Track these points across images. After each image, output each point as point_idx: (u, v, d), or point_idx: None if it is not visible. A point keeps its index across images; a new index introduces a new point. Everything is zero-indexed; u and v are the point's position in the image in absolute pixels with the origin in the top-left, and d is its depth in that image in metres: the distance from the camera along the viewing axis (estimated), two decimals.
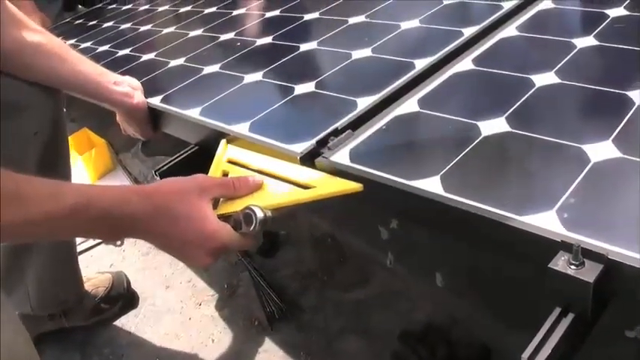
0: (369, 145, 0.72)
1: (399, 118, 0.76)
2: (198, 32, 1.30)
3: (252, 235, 0.67)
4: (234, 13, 1.35)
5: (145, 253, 1.45)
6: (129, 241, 1.40)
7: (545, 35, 0.88)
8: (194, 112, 0.91)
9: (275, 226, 1.25)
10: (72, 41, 1.56)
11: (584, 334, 0.50)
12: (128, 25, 1.55)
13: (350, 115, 0.77)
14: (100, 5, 1.94)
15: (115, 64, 1.21)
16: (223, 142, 0.83)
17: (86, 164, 1.75)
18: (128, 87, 1.00)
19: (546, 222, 0.52)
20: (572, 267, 0.47)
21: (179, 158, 0.91)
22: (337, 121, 0.76)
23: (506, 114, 0.70)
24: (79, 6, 2.21)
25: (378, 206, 0.69)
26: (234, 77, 1.00)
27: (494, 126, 0.68)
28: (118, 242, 0.69)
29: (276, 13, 1.26)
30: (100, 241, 1.30)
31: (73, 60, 0.95)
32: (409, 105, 0.78)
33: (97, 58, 1.29)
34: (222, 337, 1.19)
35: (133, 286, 1.35)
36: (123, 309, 1.31)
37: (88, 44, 1.48)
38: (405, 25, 1.02)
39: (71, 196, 0.61)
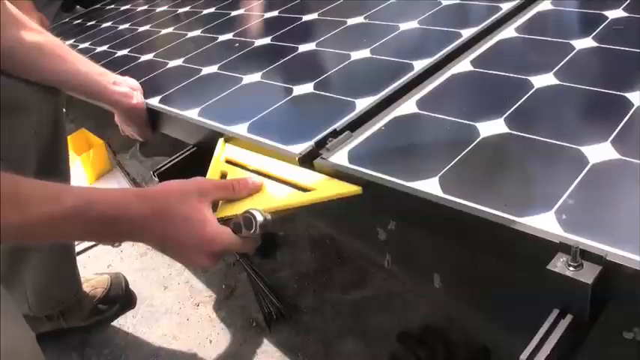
0: (367, 146, 0.72)
1: (397, 119, 0.76)
2: (197, 33, 1.30)
3: (251, 238, 0.67)
4: (233, 13, 1.35)
5: (143, 254, 1.45)
6: (127, 242, 1.40)
7: (543, 37, 0.88)
8: (193, 113, 0.91)
9: (273, 228, 1.25)
10: (70, 41, 1.56)
11: (583, 336, 0.50)
12: (127, 25, 1.55)
13: (349, 116, 0.77)
14: (98, 6, 1.94)
15: (114, 65, 1.21)
16: (221, 141, 0.83)
17: (84, 165, 1.75)
18: (127, 87, 1.00)
19: (545, 223, 0.52)
20: (571, 268, 0.47)
21: (177, 159, 0.91)
22: (336, 122, 0.76)
23: (505, 115, 0.70)
24: (78, 6, 2.21)
25: (377, 207, 0.69)
26: (233, 78, 1.00)
27: (492, 127, 0.68)
28: (116, 243, 0.69)
29: (275, 13, 1.26)
30: None
31: (73, 60, 0.95)
32: (408, 106, 0.78)
33: (96, 58, 1.28)
34: (220, 338, 1.19)
35: (131, 286, 1.35)
36: (121, 310, 1.31)
37: (86, 44, 1.48)
38: (404, 26, 1.02)
39: (70, 198, 0.61)
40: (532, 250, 0.52)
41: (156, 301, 1.32)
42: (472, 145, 0.66)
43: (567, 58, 0.80)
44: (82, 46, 1.48)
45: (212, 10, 1.43)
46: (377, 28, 1.04)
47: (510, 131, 0.67)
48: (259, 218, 0.65)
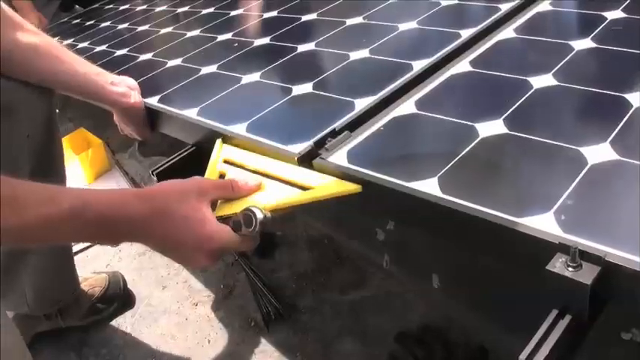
0: (366, 146, 0.72)
1: (396, 119, 0.76)
2: (196, 32, 1.30)
3: (251, 236, 0.67)
4: (232, 13, 1.35)
5: (142, 254, 1.45)
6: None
7: (542, 37, 0.88)
8: (191, 113, 0.91)
9: (272, 227, 1.25)
10: (69, 41, 1.56)
11: (582, 336, 0.50)
12: (125, 25, 1.55)
13: (348, 116, 0.77)
14: (97, 5, 1.94)
15: (113, 64, 1.21)
16: (219, 141, 0.83)
17: (83, 164, 1.74)
18: (125, 87, 1.00)
19: (544, 224, 0.52)
20: (570, 269, 0.47)
21: (176, 158, 0.91)
22: (335, 122, 0.76)
23: (504, 116, 0.70)
24: (77, 6, 2.22)
25: (375, 207, 0.69)
26: (232, 78, 1.00)
27: (491, 128, 0.68)
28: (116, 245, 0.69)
29: (274, 13, 1.26)
30: None
31: (70, 60, 0.95)
32: (407, 106, 0.78)
33: (94, 58, 1.28)
34: (218, 337, 1.19)
35: (130, 286, 1.35)
36: (119, 309, 1.30)
37: (85, 44, 1.48)
38: (403, 26, 1.02)
39: (67, 200, 0.60)
40: (531, 251, 0.52)
41: (154, 301, 1.32)
42: (471, 145, 0.66)
43: (566, 59, 0.80)
44: (80, 45, 1.48)
45: (211, 9, 1.43)
46: (376, 29, 1.04)
47: (509, 132, 0.67)
48: (259, 216, 0.65)
